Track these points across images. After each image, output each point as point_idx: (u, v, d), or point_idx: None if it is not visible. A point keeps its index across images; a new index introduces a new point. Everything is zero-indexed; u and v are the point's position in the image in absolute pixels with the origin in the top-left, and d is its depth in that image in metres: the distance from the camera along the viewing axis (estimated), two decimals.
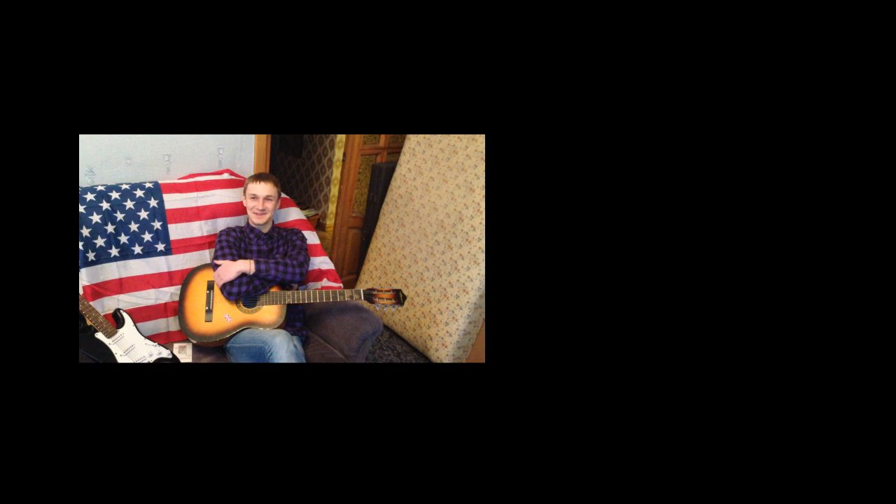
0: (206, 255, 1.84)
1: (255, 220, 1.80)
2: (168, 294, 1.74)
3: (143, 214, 1.73)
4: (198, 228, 1.83)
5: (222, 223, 1.88)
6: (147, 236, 1.73)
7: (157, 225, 1.75)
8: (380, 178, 2.69)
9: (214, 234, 1.85)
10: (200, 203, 1.85)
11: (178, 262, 1.78)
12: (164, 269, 1.75)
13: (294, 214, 2.05)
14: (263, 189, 1.77)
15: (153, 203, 1.75)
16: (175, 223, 1.79)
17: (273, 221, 1.89)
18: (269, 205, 1.79)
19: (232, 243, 1.78)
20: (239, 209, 1.91)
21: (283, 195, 1.95)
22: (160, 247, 1.75)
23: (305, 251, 1.87)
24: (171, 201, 1.79)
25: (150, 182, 1.79)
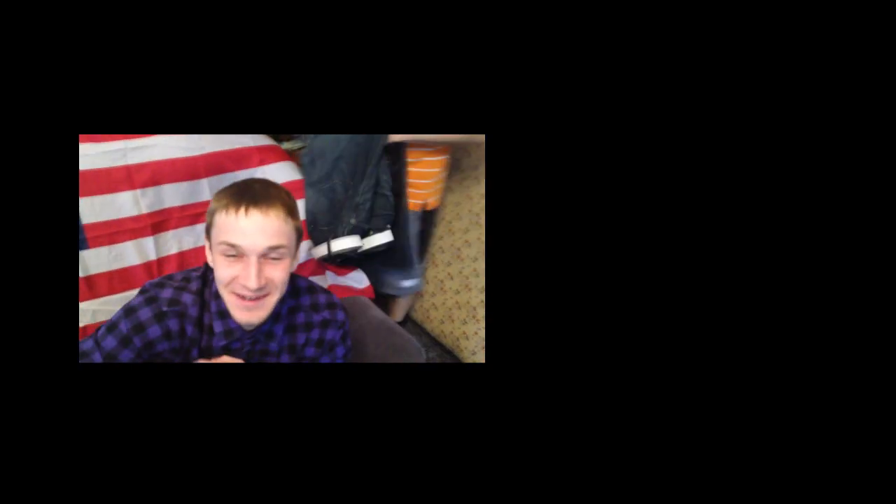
0: (148, 248, 1.18)
1: (240, 316, 0.81)
2: (90, 313, 1.12)
3: None
4: (131, 203, 1.15)
5: (170, 192, 1.20)
6: None
7: None
8: None
9: (161, 211, 1.18)
10: (132, 160, 1.15)
11: (100, 261, 1.12)
12: (80, 273, 1.11)
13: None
14: (259, 231, 0.77)
15: None
16: (89, 195, 1.10)
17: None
18: (277, 272, 0.80)
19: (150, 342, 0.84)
20: (196, 169, 1.22)
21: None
22: None
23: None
24: (84, 158, 1.10)
25: None
